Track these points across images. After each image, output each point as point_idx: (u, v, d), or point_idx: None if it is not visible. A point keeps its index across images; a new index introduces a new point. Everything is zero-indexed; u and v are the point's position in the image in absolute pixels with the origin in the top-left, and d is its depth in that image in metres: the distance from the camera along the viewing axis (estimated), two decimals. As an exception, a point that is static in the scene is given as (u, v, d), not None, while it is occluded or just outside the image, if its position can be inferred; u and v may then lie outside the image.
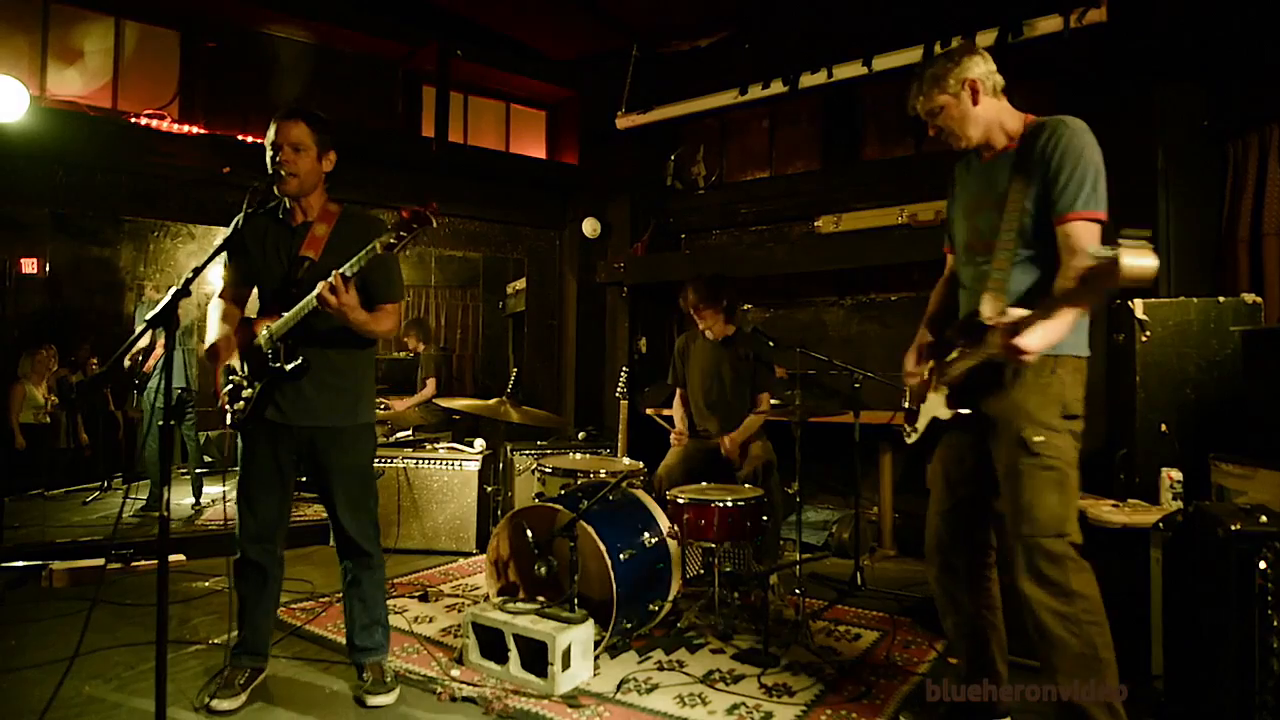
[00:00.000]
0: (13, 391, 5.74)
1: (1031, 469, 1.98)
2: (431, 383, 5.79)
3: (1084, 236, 1.90)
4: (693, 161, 5.94)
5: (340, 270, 2.26)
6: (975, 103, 2.09)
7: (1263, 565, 1.96)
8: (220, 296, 2.58)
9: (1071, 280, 1.74)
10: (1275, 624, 1.94)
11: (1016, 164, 2.04)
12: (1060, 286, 1.86)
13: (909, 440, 2.40)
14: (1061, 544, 1.96)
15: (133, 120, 4.39)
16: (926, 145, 5.00)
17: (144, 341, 5.01)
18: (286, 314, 2.39)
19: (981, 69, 2.10)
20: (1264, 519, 2.03)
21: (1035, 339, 1.77)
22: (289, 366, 2.39)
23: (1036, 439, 1.98)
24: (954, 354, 2.13)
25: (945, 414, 2.18)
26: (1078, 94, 4.05)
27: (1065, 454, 2.00)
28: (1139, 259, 1.47)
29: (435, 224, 2.19)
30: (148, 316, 1.87)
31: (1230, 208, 3.60)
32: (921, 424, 2.33)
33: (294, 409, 2.46)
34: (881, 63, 4.52)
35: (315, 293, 2.28)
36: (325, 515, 2.64)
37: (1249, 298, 2.99)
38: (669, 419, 4.45)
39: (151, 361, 5.26)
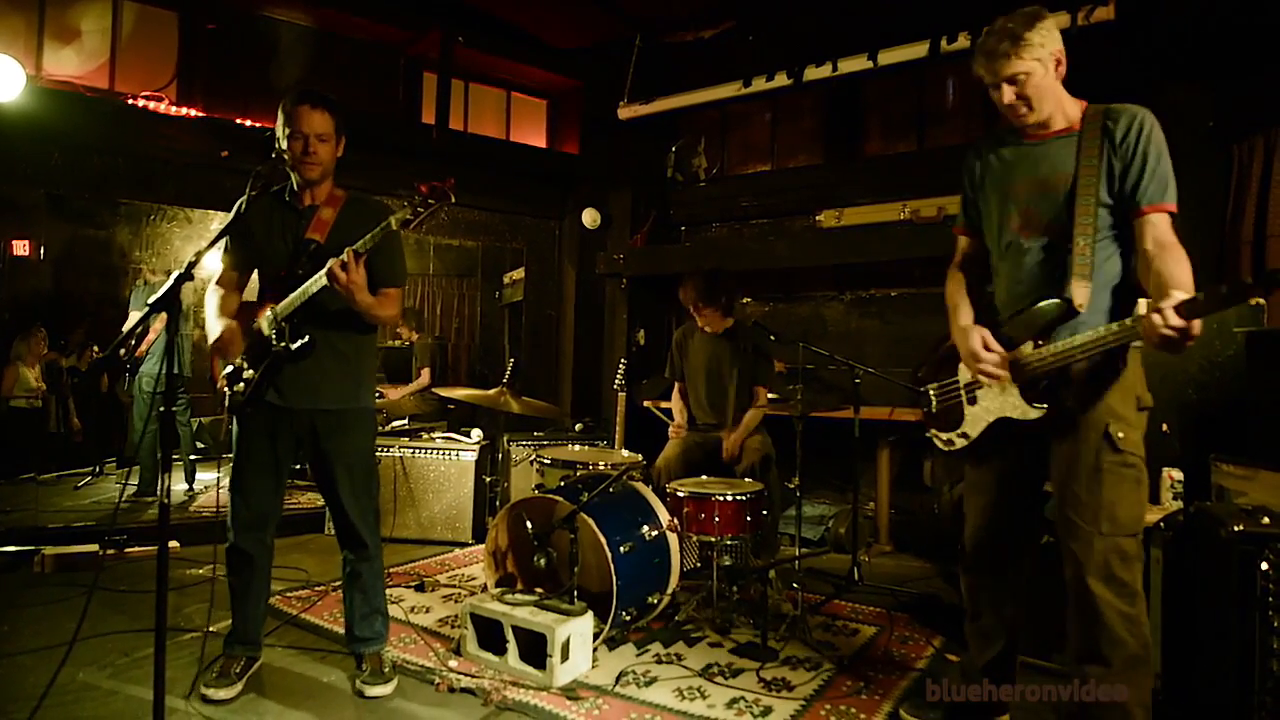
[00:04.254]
0: (5, 374, 5.69)
1: (1115, 466, 1.90)
2: (426, 372, 5.76)
3: (1166, 228, 1.90)
4: (694, 154, 5.90)
5: (354, 246, 2.24)
6: (1058, 77, 2.02)
7: (1265, 566, 1.97)
8: (218, 283, 2.54)
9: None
10: (1276, 625, 1.95)
11: (1085, 148, 1.97)
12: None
13: (949, 449, 2.21)
14: (1135, 544, 1.90)
15: (130, 102, 4.34)
16: (929, 141, 4.98)
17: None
18: (293, 294, 2.37)
19: (1061, 43, 2.02)
20: (1266, 520, 2.04)
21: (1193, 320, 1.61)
22: (294, 345, 2.36)
23: (1120, 435, 1.89)
24: (1030, 347, 1.96)
25: (1029, 413, 1.97)
26: (1083, 92, 4.02)
27: (1140, 450, 1.93)
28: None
29: (454, 199, 2.18)
30: (150, 300, 1.84)
31: (1234, 209, 3.60)
32: (976, 428, 2.12)
33: (295, 391, 2.43)
34: (887, 57, 4.50)
35: (326, 268, 2.26)
36: (321, 503, 2.62)
37: (1252, 299, 2.99)
38: (667, 411, 4.44)
39: (145, 345, 5.19)
